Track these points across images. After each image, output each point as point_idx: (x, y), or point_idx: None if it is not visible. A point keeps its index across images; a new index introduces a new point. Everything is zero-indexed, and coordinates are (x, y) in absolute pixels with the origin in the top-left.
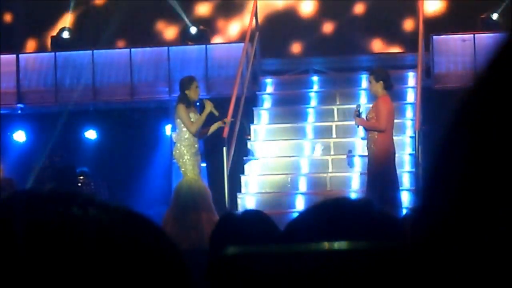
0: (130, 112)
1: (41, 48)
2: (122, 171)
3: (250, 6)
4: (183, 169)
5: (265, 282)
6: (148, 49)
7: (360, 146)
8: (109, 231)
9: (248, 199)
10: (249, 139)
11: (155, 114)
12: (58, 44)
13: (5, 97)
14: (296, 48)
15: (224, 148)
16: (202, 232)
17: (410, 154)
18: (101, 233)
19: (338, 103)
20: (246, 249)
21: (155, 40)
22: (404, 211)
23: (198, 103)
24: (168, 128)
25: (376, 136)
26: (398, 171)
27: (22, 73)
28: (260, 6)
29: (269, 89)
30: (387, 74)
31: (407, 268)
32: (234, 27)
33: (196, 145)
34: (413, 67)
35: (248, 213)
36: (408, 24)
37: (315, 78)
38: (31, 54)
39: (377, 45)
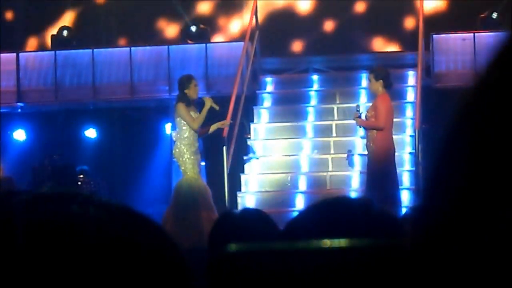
0: (130, 111)
1: (41, 47)
2: (122, 170)
3: (250, 5)
4: (183, 168)
5: (264, 280)
6: (148, 47)
7: (360, 145)
8: (109, 229)
9: (248, 198)
10: (249, 138)
11: (155, 113)
12: (58, 42)
13: (5, 95)
14: (296, 47)
15: (224, 147)
16: (202, 231)
17: (410, 153)
18: (101, 231)
19: (338, 102)
20: (246, 247)
21: (155, 38)
22: (404, 210)
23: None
24: (168, 127)
25: (375, 135)
26: (398, 170)
27: (22, 71)
28: (260, 4)
29: (269, 88)
30: (387, 73)
31: (407, 267)
32: (234, 26)
33: (196, 144)
34: (413, 66)
35: (246, 211)
36: (408, 23)
37: (315, 77)
38: (31, 53)
39: (377, 44)
